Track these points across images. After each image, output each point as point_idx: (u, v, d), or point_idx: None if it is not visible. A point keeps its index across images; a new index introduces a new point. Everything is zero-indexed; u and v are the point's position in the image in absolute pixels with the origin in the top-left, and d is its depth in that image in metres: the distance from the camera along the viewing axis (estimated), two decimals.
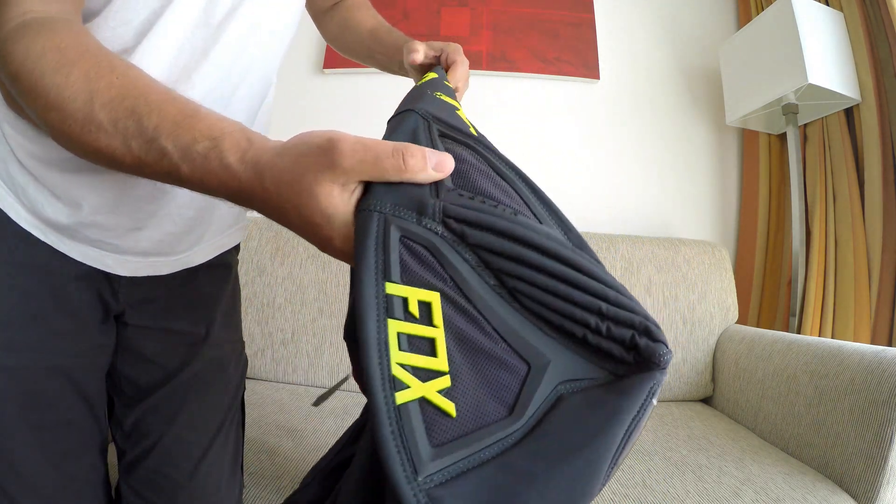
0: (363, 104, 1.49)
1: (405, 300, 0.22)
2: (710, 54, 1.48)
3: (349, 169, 0.24)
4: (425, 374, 0.21)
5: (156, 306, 0.52)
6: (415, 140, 0.28)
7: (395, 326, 0.21)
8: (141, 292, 0.51)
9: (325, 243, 0.26)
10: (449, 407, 0.21)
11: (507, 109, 1.46)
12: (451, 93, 0.41)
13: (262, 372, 1.09)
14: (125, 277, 0.49)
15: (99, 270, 0.47)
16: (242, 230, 0.63)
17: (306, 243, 1.16)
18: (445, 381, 0.21)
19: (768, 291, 1.31)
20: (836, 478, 0.69)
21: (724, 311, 1.13)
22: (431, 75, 0.45)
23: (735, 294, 1.16)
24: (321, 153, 0.25)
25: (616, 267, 1.13)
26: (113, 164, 0.30)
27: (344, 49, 0.69)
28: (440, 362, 0.21)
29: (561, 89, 1.49)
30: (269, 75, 0.53)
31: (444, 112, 0.33)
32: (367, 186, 0.26)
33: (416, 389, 0.20)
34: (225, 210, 0.54)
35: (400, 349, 0.21)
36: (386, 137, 0.29)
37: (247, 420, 0.66)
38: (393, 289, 0.22)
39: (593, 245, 1.15)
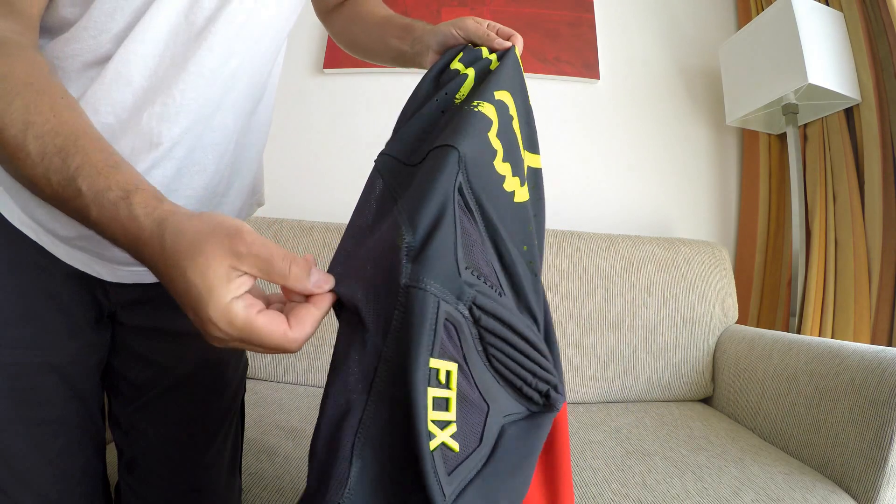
0: (363, 104, 1.49)
1: (437, 371, 0.28)
2: (710, 54, 1.48)
3: (244, 256, 0.27)
4: (443, 424, 0.27)
5: (148, 308, 0.52)
6: (447, 205, 0.31)
7: (431, 392, 0.27)
8: (132, 293, 0.50)
9: (200, 318, 0.27)
10: (455, 446, 0.28)
11: None
12: (501, 79, 0.42)
13: (262, 372, 1.09)
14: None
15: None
16: None
17: (305, 243, 1.16)
18: (453, 428, 0.28)
19: (768, 291, 1.31)
20: (836, 478, 0.69)
21: (724, 311, 1.13)
22: (458, 66, 0.43)
23: (735, 294, 1.16)
24: (226, 235, 0.27)
25: (616, 267, 1.13)
26: (35, 191, 0.32)
27: (350, 43, 0.66)
28: (451, 415, 0.28)
29: (561, 89, 1.49)
30: (263, 79, 0.51)
31: (475, 147, 0.34)
32: (416, 259, 0.28)
33: (439, 438, 0.27)
34: None
35: (433, 409, 0.27)
36: (426, 181, 0.31)
37: (246, 420, 0.66)
38: (434, 363, 0.27)
39: (593, 245, 1.15)
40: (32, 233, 0.44)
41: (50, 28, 0.39)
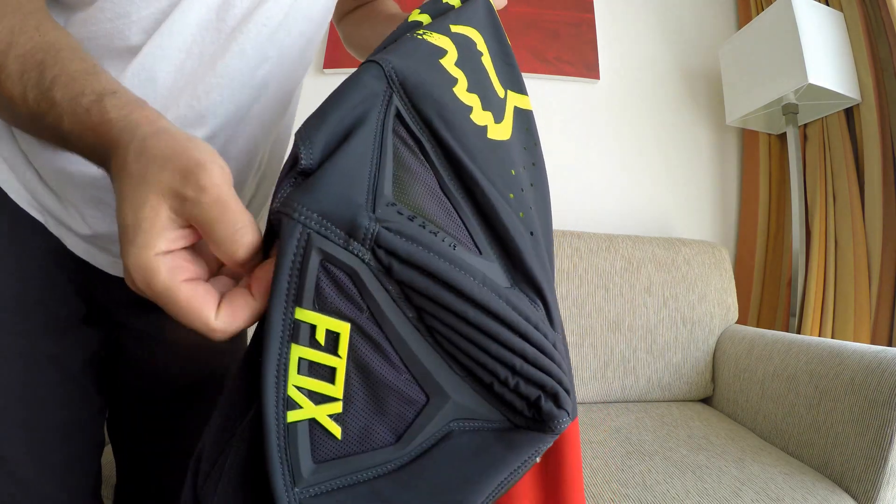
0: None
1: (313, 328, 0.21)
2: (710, 54, 1.48)
3: (190, 201, 0.21)
4: (319, 398, 0.22)
5: (153, 314, 0.50)
6: (360, 124, 0.24)
7: (297, 351, 0.21)
8: (133, 292, 0.49)
9: (123, 256, 0.22)
10: (336, 430, 0.22)
11: None
12: (462, 17, 0.35)
13: None
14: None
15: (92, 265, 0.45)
16: None
17: None
18: (337, 407, 0.22)
19: (768, 291, 1.31)
20: (836, 478, 0.69)
21: (724, 311, 1.13)
22: (418, 17, 0.35)
23: (735, 294, 1.16)
24: (181, 168, 0.22)
25: (616, 267, 1.13)
26: (11, 113, 0.30)
27: (358, 45, 0.64)
28: (336, 389, 0.22)
29: (561, 89, 1.49)
30: (293, 87, 0.49)
31: (421, 70, 0.27)
32: (300, 183, 0.23)
33: (307, 410, 0.21)
34: None
35: (299, 373, 0.21)
36: (332, 97, 0.25)
37: None
38: (302, 314, 0.21)
39: (593, 245, 1.15)
40: (39, 215, 0.42)
41: (71, 4, 0.36)
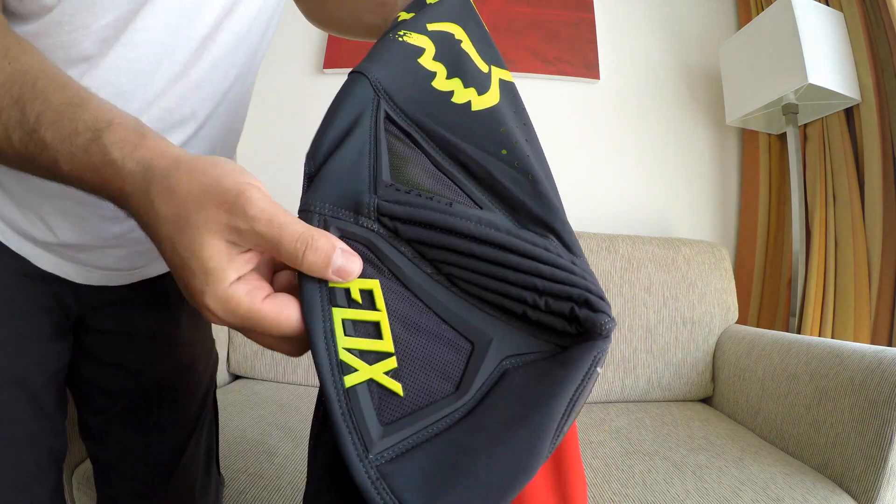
0: None
1: (347, 290, 0.23)
2: (710, 54, 1.48)
3: (245, 232, 0.21)
4: (373, 357, 0.22)
5: (119, 309, 0.49)
6: (354, 127, 0.27)
7: (339, 314, 0.22)
8: (103, 293, 0.48)
9: (194, 295, 0.22)
10: (396, 387, 0.22)
11: None
12: (438, 13, 0.38)
13: (262, 372, 1.09)
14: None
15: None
16: None
17: None
18: (392, 363, 0.22)
19: (768, 291, 1.31)
20: (836, 478, 0.69)
21: (724, 311, 1.13)
22: (403, 15, 0.39)
23: (735, 294, 1.16)
24: (223, 203, 0.21)
25: (616, 267, 1.13)
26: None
27: (323, 19, 0.63)
28: (386, 344, 0.23)
29: (561, 89, 1.49)
30: (251, 85, 0.49)
31: (401, 74, 0.31)
32: (310, 186, 0.25)
33: (363, 372, 0.22)
34: None
35: (346, 334, 0.22)
36: (329, 113, 0.28)
37: (247, 420, 0.66)
38: (334, 283, 0.23)
39: (594, 245, 1.15)
40: None
41: (26, 14, 0.34)
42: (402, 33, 0.34)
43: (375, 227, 0.25)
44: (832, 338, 1.08)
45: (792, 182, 1.16)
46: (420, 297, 0.24)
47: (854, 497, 0.66)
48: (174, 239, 0.22)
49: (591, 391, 0.23)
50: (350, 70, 0.31)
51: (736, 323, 1.15)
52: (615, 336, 1.09)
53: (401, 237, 0.25)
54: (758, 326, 1.27)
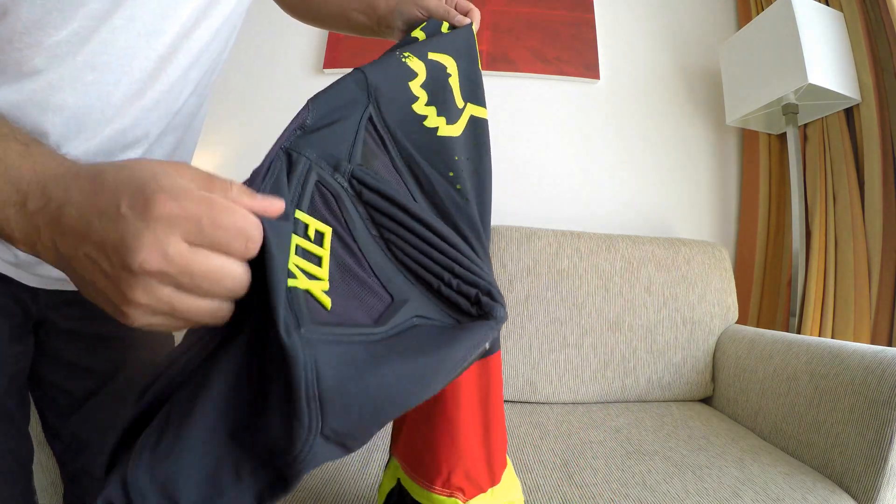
0: None
1: (307, 225, 0.28)
2: (710, 54, 1.48)
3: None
4: (310, 277, 0.27)
5: (78, 309, 0.49)
6: (345, 118, 0.33)
7: (296, 240, 0.27)
8: (62, 295, 0.47)
9: (144, 208, 0.21)
10: (326, 301, 0.26)
11: (508, 109, 1.46)
12: (443, 44, 0.45)
13: None
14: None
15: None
16: None
17: None
18: (324, 285, 0.27)
19: (768, 291, 1.31)
20: (836, 478, 0.69)
21: (724, 311, 1.13)
22: (418, 34, 0.47)
23: (735, 294, 1.16)
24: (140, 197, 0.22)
25: (616, 267, 1.13)
26: None
27: (306, 13, 0.64)
28: (322, 272, 0.27)
29: (561, 89, 1.49)
30: (206, 97, 0.49)
31: (392, 90, 0.38)
32: (304, 136, 0.30)
33: (302, 282, 0.26)
34: None
35: (296, 254, 0.27)
36: (333, 86, 0.34)
37: None
38: (300, 215, 0.28)
39: (593, 245, 1.15)
40: None
41: None
42: (406, 55, 0.41)
43: (346, 184, 0.30)
44: (832, 338, 1.08)
45: (792, 182, 1.16)
46: (362, 249, 0.30)
47: (854, 497, 0.66)
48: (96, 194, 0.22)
49: (475, 357, 0.30)
50: (357, 68, 0.36)
51: (736, 323, 1.15)
52: (615, 336, 1.09)
53: (362, 199, 0.31)
54: (758, 326, 1.27)
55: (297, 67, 1.54)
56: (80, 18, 0.33)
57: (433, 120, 0.41)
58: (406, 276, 0.31)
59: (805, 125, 1.26)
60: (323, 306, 0.26)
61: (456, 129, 0.42)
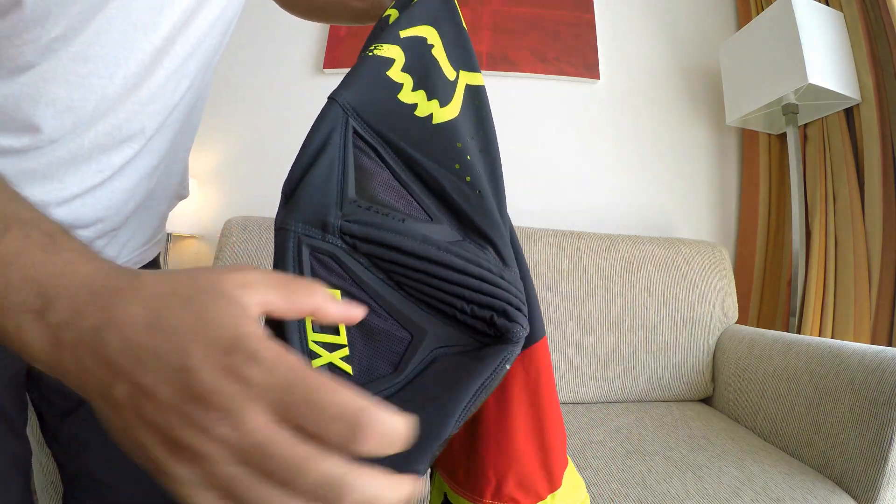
0: None
1: None
2: (710, 54, 1.48)
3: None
4: (331, 347, 0.28)
5: None
6: (326, 147, 0.32)
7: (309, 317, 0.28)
8: None
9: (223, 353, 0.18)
10: (347, 368, 0.28)
11: (508, 109, 1.47)
12: (415, 16, 0.41)
13: None
14: None
15: None
16: (158, 245, 0.57)
17: None
18: (345, 351, 0.28)
19: (768, 291, 1.31)
20: (836, 478, 0.69)
21: (724, 311, 1.13)
22: (391, 12, 0.42)
23: (735, 294, 1.16)
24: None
25: (616, 267, 1.13)
26: None
27: (306, 8, 0.63)
28: (341, 339, 0.28)
29: (561, 89, 1.49)
30: (205, 91, 0.48)
31: (369, 91, 0.36)
32: (286, 205, 0.30)
33: (325, 357, 0.27)
34: (140, 234, 0.50)
35: (314, 331, 0.27)
36: (305, 139, 0.33)
37: None
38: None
39: (594, 245, 1.15)
40: None
41: None
42: (373, 48, 0.38)
43: (339, 242, 0.30)
44: (832, 338, 1.08)
45: (792, 182, 1.16)
46: (372, 297, 0.30)
47: (854, 497, 0.66)
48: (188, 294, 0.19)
49: (499, 381, 0.29)
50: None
51: (736, 323, 1.15)
52: (615, 336, 1.09)
53: (358, 251, 0.30)
54: (758, 326, 1.27)
55: (297, 67, 1.54)
56: (75, 11, 0.32)
57: (424, 107, 0.37)
58: (423, 310, 0.31)
59: (805, 125, 1.26)
60: (346, 373, 0.27)
61: (452, 110, 0.38)
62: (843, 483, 0.68)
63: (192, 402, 0.17)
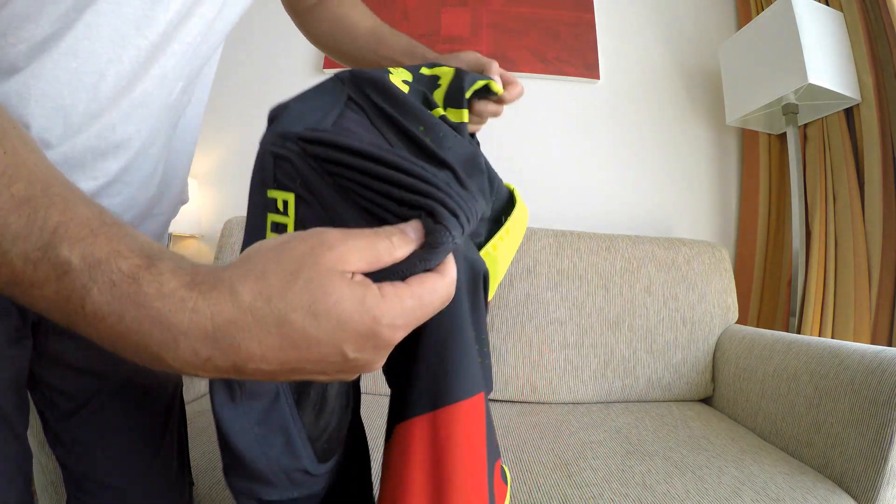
0: None
1: (275, 200, 0.31)
2: (710, 54, 1.48)
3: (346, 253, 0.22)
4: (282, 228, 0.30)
5: None
6: (318, 93, 0.34)
7: (271, 217, 0.31)
8: None
9: (360, 339, 0.21)
10: None
11: (508, 109, 1.46)
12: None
13: None
14: None
15: None
16: (161, 239, 0.56)
17: None
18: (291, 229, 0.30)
19: (768, 291, 1.31)
20: (836, 478, 0.69)
21: (724, 311, 1.13)
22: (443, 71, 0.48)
23: (735, 294, 1.16)
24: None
25: (616, 267, 1.13)
26: None
27: (333, 49, 0.63)
28: (290, 220, 0.31)
29: (561, 89, 1.49)
30: (203, 98, 0.47)
31: (364, 69, 0.39)
32: (268, 128, 0.32)
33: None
34: (149, 227, 0.49)
35: (272, 231, 0.30)
36: (300, 95, 0.34)
37: None
38: (271, 193, 0.31)
39: (594, 245, 1.15)
40: None
41: None
42: (390, 70, 0.42)
43: (295, 148, 0.31)
44: (832, 338, 1.08)
45: (792, 182, 1.16)
46: (319, 202, 0.31)
47: (854, 497, 0.66)
48: (307, 299, 0.20)
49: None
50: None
51: (736, 323, 1.15)
52: (615, 336, 1.09)
53: (308, 154, 0.31)
54: (758, 326, 1.27)
55: (297, 67, 1.54)
56: (66, 6, 0.31)
57: (403, 87, 0.40)
58: (363, 216, 0.29)
59: (805, 125, 1.26)
60: None
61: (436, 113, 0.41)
62: (843, 483, 0.68)
63: (353, 370, 0.23)
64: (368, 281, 0.22)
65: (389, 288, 0.22)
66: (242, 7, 0.45)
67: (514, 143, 1.46)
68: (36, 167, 0.20)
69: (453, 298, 0.30)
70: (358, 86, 0.37)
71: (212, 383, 0.26)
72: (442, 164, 0.33)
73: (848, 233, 1.12)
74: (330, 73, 1.51)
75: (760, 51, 1.19)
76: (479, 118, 0.54)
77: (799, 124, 1.19)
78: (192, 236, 1.50)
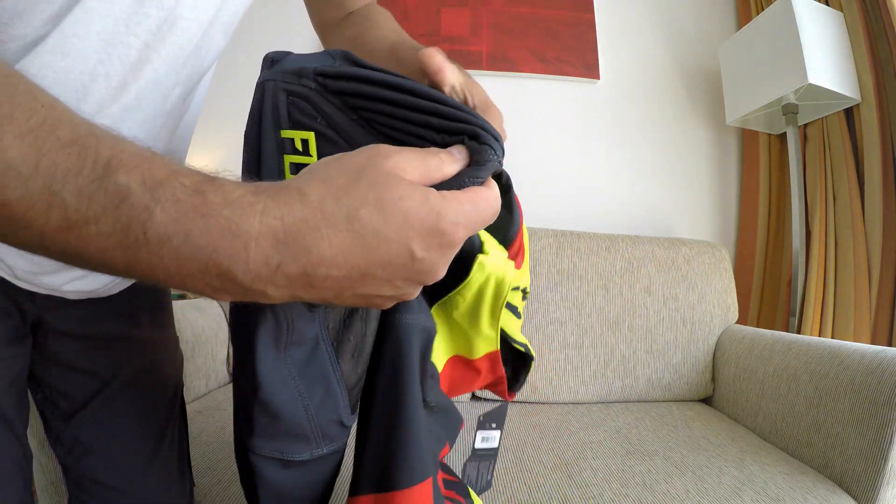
0: None
1: (293, 140, 0.29)
2: (710, 54, 1.48)
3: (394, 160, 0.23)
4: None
5: (78, 310, 0.47)
6: (316, 55, 0.33)
7: (288, 158, 0.29)
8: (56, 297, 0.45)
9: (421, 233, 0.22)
10: None
11: (507, 109, 1.45)
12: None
13: None
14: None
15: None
16: None
17: None
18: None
19: (768, 291, 1.31)
20: (836, 478, 0.69)
21: (724, 311, 1.13)
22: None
23: (735, 294, 1.16)
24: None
25: (616, 267, 1.13)
26: (17, 230, 0.19)
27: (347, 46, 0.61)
28: (313, 160, 0.29)
29: (561, 89, 1.49)
30: (199, 104, 0.46)
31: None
32: (270, 68, 0.31)
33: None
34: None
35: (291, 174, 0.29)
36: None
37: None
38: (285, 133, 0.29)
39: (594, 245, 1.15)
40: None
41: None
42: None
43: (313, 84, 0.30)
44: (832, 338, 1.08)
45: (792, 182, 1.16)
46: (344, 138, 0.30)
47: (854, 497, 0.66)
48: (377, 194, 0.21)
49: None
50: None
51: (736, 323, 1.15)
52: (615, 336, 1.09)
53: (329, 91, 0.30)
54: (758, 326, 1.27)
55: None
56: (58, 4, 0.29)
57: None
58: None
59: (805, 125, 1.26)
60: None
61: None
62: (843, 483, 0.68)
63: (419, 278, 0.23)
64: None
65: (447, 192, 0.23)
66: (242, 7, 0.44)
67: (514, 143, 1.46)
68: (76, 116, 0.21)
69: (404, 381, 0.32)
70: (351, 60, 0.36)
71: (257, 329, 0.27)
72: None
73: (848, 233, 1.12)
74: None
75: (760, 51, 1.19)
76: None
77: (799, 124, 1.19)
78: None
